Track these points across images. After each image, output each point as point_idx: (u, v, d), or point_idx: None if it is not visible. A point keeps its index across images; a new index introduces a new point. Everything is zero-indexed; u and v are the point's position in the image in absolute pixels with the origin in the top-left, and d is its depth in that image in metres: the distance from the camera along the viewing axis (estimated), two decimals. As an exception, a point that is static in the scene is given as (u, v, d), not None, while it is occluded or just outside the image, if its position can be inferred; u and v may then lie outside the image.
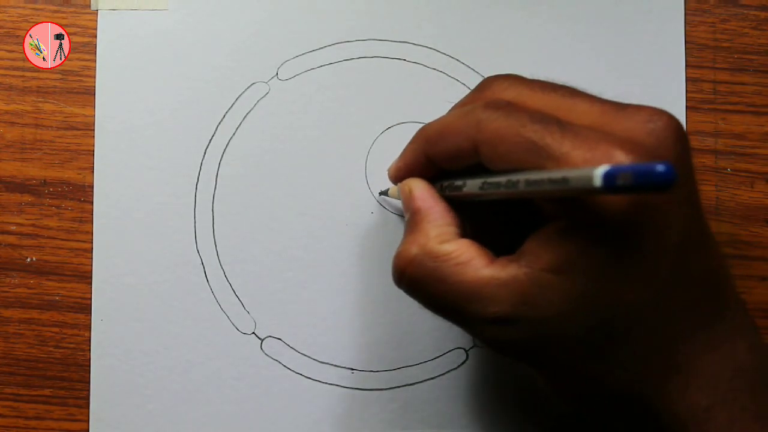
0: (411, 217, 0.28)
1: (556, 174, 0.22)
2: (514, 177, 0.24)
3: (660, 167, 0.19)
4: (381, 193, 0.36)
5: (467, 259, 0.26)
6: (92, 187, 0.36)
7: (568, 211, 0.24)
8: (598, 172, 0.20)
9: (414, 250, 0.27)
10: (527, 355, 0.26)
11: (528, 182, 0.23)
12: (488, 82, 0.27)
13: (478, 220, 0.29)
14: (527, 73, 0.28)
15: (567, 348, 0.25)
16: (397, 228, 0.36)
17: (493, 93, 0.27)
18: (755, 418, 0.25)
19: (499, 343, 0.26)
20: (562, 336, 0.25)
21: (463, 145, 0.26)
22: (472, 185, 0.26)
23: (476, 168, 0.26)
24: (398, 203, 0.35)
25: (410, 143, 0.30)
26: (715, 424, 0.25)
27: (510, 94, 0.26)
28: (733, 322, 0.26)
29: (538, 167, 0.23)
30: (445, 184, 0.28)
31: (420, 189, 0.29)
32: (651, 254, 0.24)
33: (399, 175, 0.30)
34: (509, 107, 0.25)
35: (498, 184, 0.25)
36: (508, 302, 0.25)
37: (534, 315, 0.24)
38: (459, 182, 0.27)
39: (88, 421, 0.35)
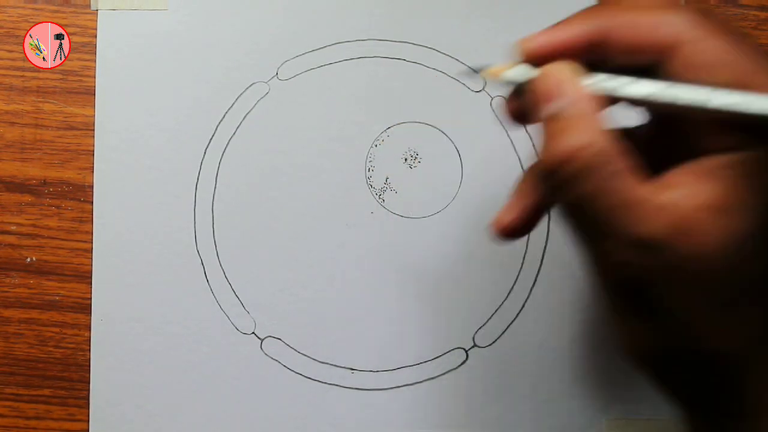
0: (572, 106, 0.24)
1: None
2: (716, 91, 0.22)
3: None
4: (475, 70, 0.27)
5: (631, 168, 0.23)
6: (92, 187, 0.36)
7: (751, 144, 0.22)
8: None
9: (586, 138, 0.23)
10: (651, 287, 0.23)
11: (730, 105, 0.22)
12: None
13: None
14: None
15: (699, 291, 0.23)
16: (397, 228, 0.36)
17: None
18: None
19: (631, 269, 0.23)
20: (701, 278, 0.23)
21: (666, 41, 0.23)
22: (647, 86, 0.24)
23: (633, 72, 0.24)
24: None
25: (578, 16, 0.25)
26: None
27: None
28: None
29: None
30: (601, 76, 0.24)
31: (579, 77, 0.24)
32: None
33: (544, 53, 0.25)
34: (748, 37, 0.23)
35: (686, 94, 0.23)
36: (663, 227, 0.22)
37: (685, 248, 0.22)
38: (624, 79, 0.24)
39: (88, 421, 0.35)
